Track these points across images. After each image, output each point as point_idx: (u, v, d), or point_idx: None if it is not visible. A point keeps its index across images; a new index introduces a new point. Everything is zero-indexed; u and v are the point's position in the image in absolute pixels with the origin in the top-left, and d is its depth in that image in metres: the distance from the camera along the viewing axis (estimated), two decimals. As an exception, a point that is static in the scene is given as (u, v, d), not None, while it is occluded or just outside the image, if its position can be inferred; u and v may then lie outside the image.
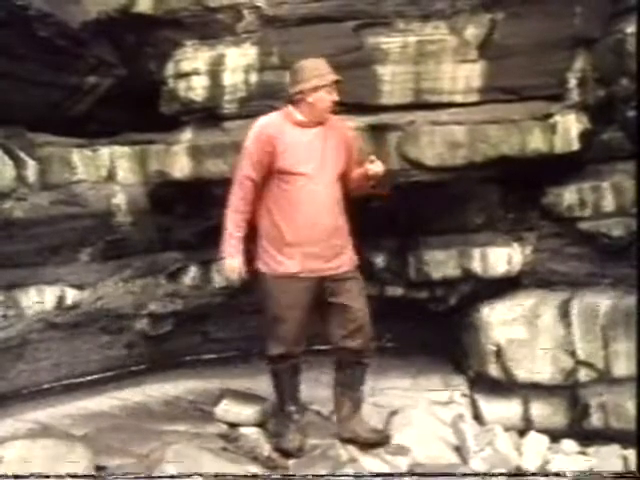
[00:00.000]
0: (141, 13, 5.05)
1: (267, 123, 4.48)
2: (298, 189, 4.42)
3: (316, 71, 4.36)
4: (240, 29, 5.04)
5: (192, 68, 5.06)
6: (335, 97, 4.39)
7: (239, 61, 5.02)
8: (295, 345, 4.53)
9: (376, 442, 4.58)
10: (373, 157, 4.45)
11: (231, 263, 4.43)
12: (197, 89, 5.06)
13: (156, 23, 5.09)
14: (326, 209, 4.47)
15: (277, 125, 4.45)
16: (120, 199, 5.21)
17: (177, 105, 5.14)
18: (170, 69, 5.13)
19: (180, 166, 5.11)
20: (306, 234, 4.43)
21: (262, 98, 5.00)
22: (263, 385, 5.16)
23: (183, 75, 5.08)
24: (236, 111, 5.06)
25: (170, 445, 4.32)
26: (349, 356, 4.57)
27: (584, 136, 4.86)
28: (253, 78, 5.02)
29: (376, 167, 4.42)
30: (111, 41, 5.23)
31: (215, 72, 5.04)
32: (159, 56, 5.19)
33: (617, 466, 4.43)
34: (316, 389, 4.91)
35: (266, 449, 4.58)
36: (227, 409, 4.97)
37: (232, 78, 5.03)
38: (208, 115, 5.12)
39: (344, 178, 4.54)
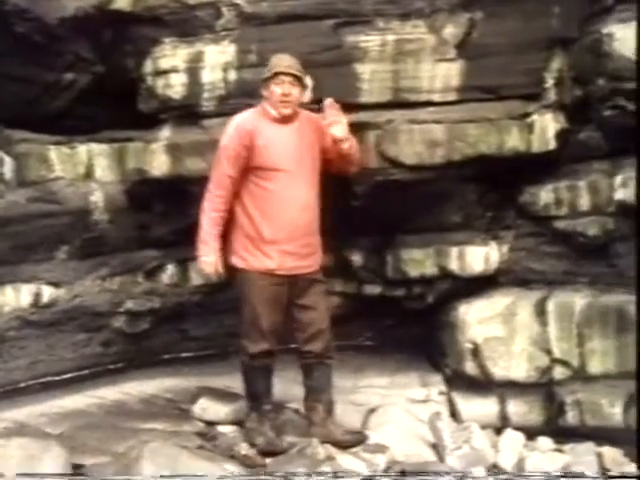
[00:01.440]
0: (119, 10, 5.00)
1: (244, 119, 4.52)
2: (276, 186, 4.44)
3: (272, 64, 4.49)
4: (219, 26, 5.01)
5: (170, 65, 5.03)
6: (285, 90, 4.45)
7: (218, 59, 4.99)
8: (274, 342, 4.55)
9: (352, 444, 4.60)
10: (330, 120, 4.47)
11: (208, 260, 4.46)
12: (175, 87, 5.03)
13: (134, 20, 5.05)
14: (303, 206, 4.50)
15: (254, 121, 4.49)
16: (98, 197, 5.18)
17: (155, 103, 5.11)
18: (148, 66, 5.10)
19: (158, 164, 5.08)
20: (283, 231, 4.46)
21: (241, 96, 4.98)
22: (240, 383, 5.16)
23: (161, 72, 5.05)
24: (215, 109, 5.04)
25: (147, 443, 4.30)
26: (309, 359, 4.62)
27: (561, 135, 4.88)
28: (232, 76, 5.00)
29: (336, 130, 4.46)
30: (89, 38, 5.18)
31: (194, 70, 5.01)
32: (137, 53, 5.15)
33: (592, 463, 4.47)
34: (293, 387, 4.91)
35: (243, 447, 4.58)
36: (205, 407, 4.98)
37: (211, 76, 5.00)
38: (187, 113, 5.09)
39: (327, 166, 4.57)
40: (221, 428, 4.86)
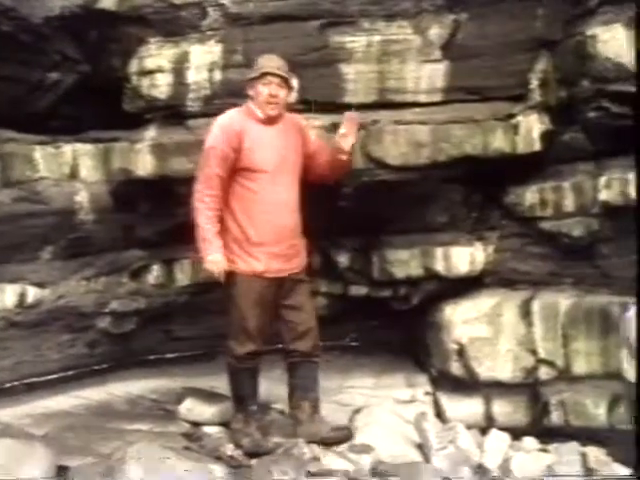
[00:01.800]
0: (104, 9, 5.01)
1: (231, 120, 4.51)
2: (261, 188, 4.44)
3: (259, 64, 4.48)
4: (204, 27, 5.02)
5: (156, 65, 5.03)
6: (272, 91, 4.45)
7: (203, 59, 5.00)
8: (260, 343, 4.55)
9: (340, 440, 4.61)
10: (345, 131, 4.50)
11: (213, 258, 4.42)
12: (161, 86, 5.04)
13: (120, 19, 5.05)
14: (288, 208, 4.51)
15: (241, 121, 4.49)
16: (83, 197, 5.16)
17: (141, 102, 5.11)
18: (134, 66, 5.10)
19: (144, 164, 5.08)
20: (270, 234, 4.47)
21: (226, 96, 4.99)
22: (226, 384, 5.15)
23: (147, 72, 5.05)
24: (200, 109, 5.04)
25: (132, 444, 4.29)
26: (296, 358, 4.64)
27: (546, 136, 4.90)
28: (217, 76, 5.00)
29: (346, 143, 4.50)
30: (74, 37, 5.18)
31: (179, 70, 5.01)
32: (123, 53, 5.15)
33: (576, 463, 4.48)
34: (278, 388, 4.91)
35: (229, 448, 4.58)
36: (190, 408, 4.97)
37: (196, 76, 5.01)
38: (172, 113, 5.09)
39: (306, 171, 4.58)
40: (207, 429, 4.85)
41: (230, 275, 4.47)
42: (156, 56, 5.04)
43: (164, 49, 5.04)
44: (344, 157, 4.56)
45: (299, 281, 4.63)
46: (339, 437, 4.63)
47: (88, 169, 5.21)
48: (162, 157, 5.04)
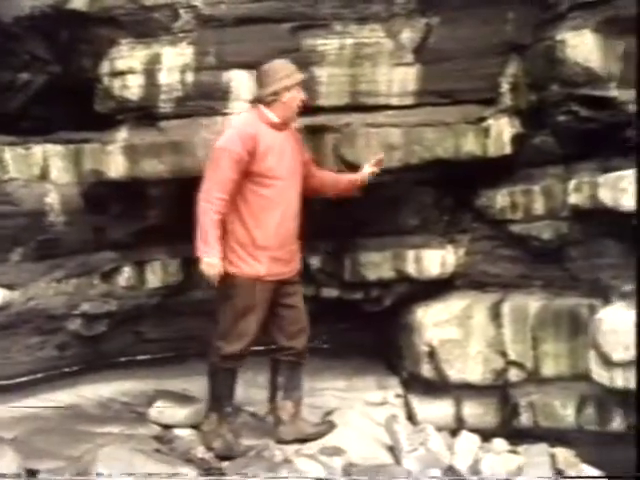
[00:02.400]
0: (75, 10, 4.98)
1: (246, 123, 4.51)
2: (273, 193, 4.47)
3: (286, 71, 4.49)
4: (176, 28, 5.00)
5: (127, 67, 5.01)
6: (303, 95, 4.53)
7: (175, 60, 4.98)
8: (251, 345, 4.57)
9: (323, 434, 4.70)
10: (370, 171, 4.75)
11: (211, 261, 4.40)
12: (132, 88, 5.01)
13: (91, 20, 5.03)
14: (293, 213, 4.58)
15: (256, 126, 4.49)
16: (53, 198, 5.13)
17: (112, 104, 5.09)
18: (105, 67, 5.07)
19: (115, 166, 5.05)
20: (275, 238, 4.51)
21: (198, 98, 4.99)
22: (198, 386, 5.15)
23: (118, 73, 5.02)
24: (172, 111, 5.03)
25: (102, 447, 4.28)
26: (289, 357, 4.67)
27: (516, 140, 4.94)
28: (189, 78, 4.99)
29: (364, 179, 4.77)
30: (45, 37, 5.15)
31: (151, 71, 5.00)
32: (94, 54, 5.12)
33: (545, 464, 4.52)
34: (251, 390, 4.91)
35: (200, 451, 4.57)
36: (161, 410, 4.96)
37: (168, 77, 4.99)
38: (144, 114, 5.07)
39: (304, 181, 4.64)
40: (178, 431, 4.83)
41: (231, 277, 4.47)
42: (127, 57, 5.01)
43: (135, 50, 5.02)
44: (355, 188, 4.78)
45: (295, 283, 4.68)
46: (322, 431, 4.72)
47: (59, 170, 5.17)
48: (134, 159, 5.02)
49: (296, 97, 4.51)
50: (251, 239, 4.47)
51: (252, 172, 4.43)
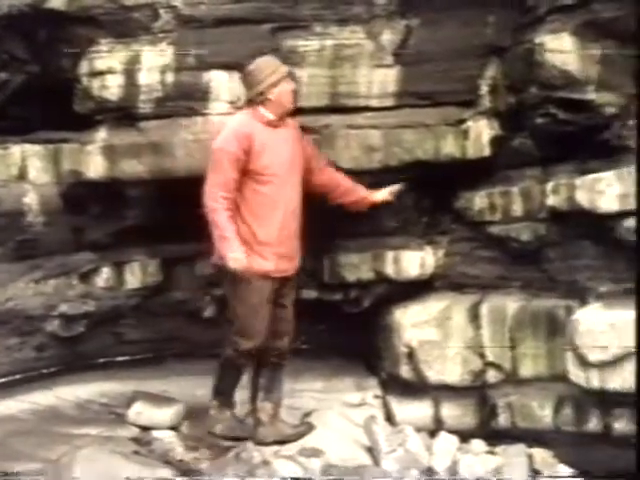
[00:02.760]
0: (53, 9, 4.97)
1: (241, 122, 4.56)
2: (270, 190, 4.51)
3: (270, 68, 4.53)
4: (156, 28, 5.00)
5: (107, 66, 5.01)
6: (294, 85, 4.57)
7: (155, 61, 4.98)
8: (264, 340, 4.60)
9: (302, 435, 4.72)
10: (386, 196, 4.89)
11: (236, 256, 4.43)
12: (112, 88, 5.00)
13: (69, 20, 5.02)
14: (293, 210, 4.62)
15: (251, 125, 4.53)
16: (31, 198, 5.11)
17: (91, 104, 5.08)
18: (84, 67, 5.06)
19: (94, 166, 5.05)
20: (276, 235, 4.55)
21: (178, 99, 4.99)
22: (177, 387, 5.16)
23: (97, 73, 5.02)
24: (152, 111, 5.02)
25: (80, 449, 4.27)
26: (272, 357, 4.71)
27: (495, 142, 4.95)
28: (169, 78, 4.99)
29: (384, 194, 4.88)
30: (23, 37, 5.13)
31: (130, 71, 4.99)
32: (73, 53, 5.10)
33: (523, 465, 4.54)
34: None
35: (179, 452, 4.57)
36: (140, 412, 4.94)
37: (148, 78, 4.99)
38: (123, 115, 5.07)
39: (307, 178, 4.69)
40: (156, 433, 4.82)
41: (239, 274, 4.49)
42: (107, 57, 5.00)
43: (115, 50, 5.02)
44: (365, 205, 4.89)
45: (291, 282, 4.73)
46: (301, 433, 4.73)
47: (37, 170, 5.16)
48: (113, 159, 5.01)
49: (285, 91, 4.54)
50: (254, 236, 4.52)
51: (249, 170, 4.48)
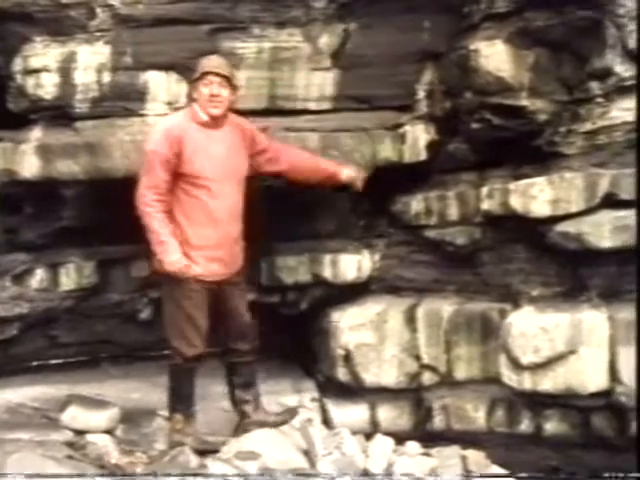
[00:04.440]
0: (-13, 5, 4.87)
1: (172, 124, 4.53)
2: (203, 194, 4.48)
3: (200, 66, 4.50)
4: (93, 27, 4.93)
5: (42, 65, 4.91)
6: (213, 91, 4.47)
7: (91, 60, 4.91)
8: (204, 345, 4.60)
9: (287, 420, 4.87)
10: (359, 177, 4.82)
11: (174, 259, 4.43)
12: (47, 86, 4.92)
13: (3, 16, 4.91)
14: (230, 214, 4.58)
15: (183, 127, 4.50)
16: (-36, 198, 5.02)
17: (26, 102, 4.98)
18: (18, 64, 4.96)
19: (29, 165, 4.94)
20: (211, 239, 4.52)
21: (115, 99, 4.93)
22: (112, 391, 5.11)
23: (32, 71, 4.92)
24: (88, 111, 4.96)
25: (11, 454, 4.20)
26: (237, 357, 4.77)
27: (431, 146, 5.02)
28: (106, 78, 4.92)
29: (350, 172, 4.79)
30: (-45, 32, 5.02)
31: (66, 70, 4.91)
32: (6, 50, 5.01)
33: (457, 466, 4.60)
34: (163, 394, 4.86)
35: (114, 456, 4.53)
36: (74, 415, 4.88)
37: (84, 77, 4.92)
38: (59, 114, 4.99)
39: (257, 168, 4.68)
40: (91, 437, 4.77)
41: (172, 278, 4.48)
42: (42, 55, 4.92)
43: (50, 48, 4.93)
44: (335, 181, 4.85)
45: (237, 283, 4.73)
46: (286, 417, 4.87)
47: (-30, 169, 5.05)
48: (48, 158, 4.93)
49: (202, 92, 4.50)
50: (186, 239, 4.49)
51: (181, 174, 4.45)
